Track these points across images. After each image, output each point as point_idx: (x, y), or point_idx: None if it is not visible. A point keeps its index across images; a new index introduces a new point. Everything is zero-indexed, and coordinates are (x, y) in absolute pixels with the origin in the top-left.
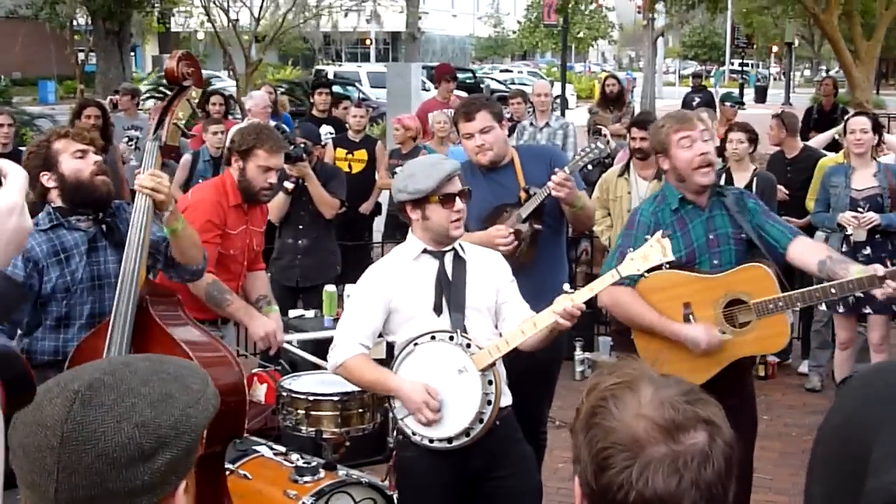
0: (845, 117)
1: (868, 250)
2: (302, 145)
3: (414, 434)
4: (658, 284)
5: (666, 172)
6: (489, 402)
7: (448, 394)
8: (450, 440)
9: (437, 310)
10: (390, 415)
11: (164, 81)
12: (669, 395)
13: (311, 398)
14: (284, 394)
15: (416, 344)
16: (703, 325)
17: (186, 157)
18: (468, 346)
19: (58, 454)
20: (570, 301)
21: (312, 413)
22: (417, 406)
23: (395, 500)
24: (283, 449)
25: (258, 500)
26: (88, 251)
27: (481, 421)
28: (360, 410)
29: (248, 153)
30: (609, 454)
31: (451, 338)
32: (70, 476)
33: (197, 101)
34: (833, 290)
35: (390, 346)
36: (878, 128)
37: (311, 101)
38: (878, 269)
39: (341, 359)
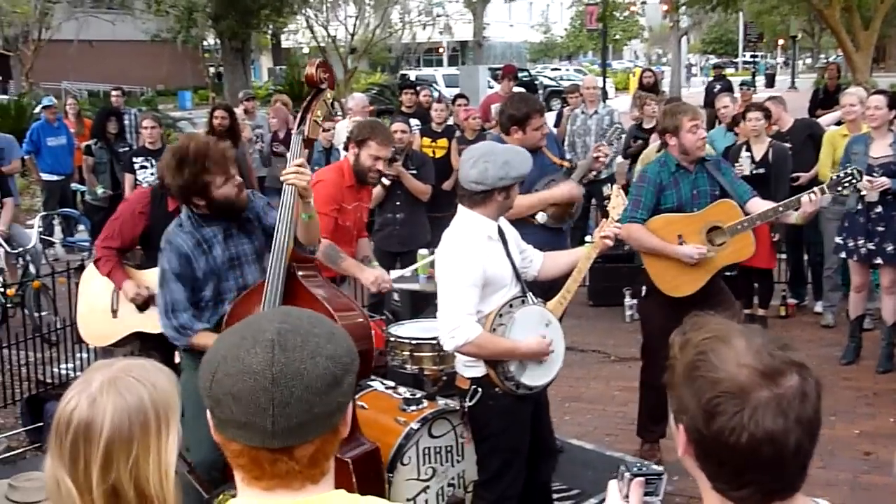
0: (841, 93)
1: (880, 209)
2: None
3: (518, 388)
4: (660, 224)
5: (669, 146)
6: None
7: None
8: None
9: (517, 277)
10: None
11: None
12: (760, 343)
13: (413, 341)
14: (392, 338)
15: (500, 315)
16: (691, 244)
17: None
18: (538, 302)
19: (271, 393)
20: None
21: (415, 354)
22: (544, 354)
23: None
24: (391, 384)
25: (374, 426)
26: (225, 238)
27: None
28: None
29: (363, 143)
30: (718, 402)
31: (523, 301)
32: (284, 409)
33: (331, 101)
34: (779, 210)
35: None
36: (894, 104)
37: (399, 99)
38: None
39: (471, 336)
